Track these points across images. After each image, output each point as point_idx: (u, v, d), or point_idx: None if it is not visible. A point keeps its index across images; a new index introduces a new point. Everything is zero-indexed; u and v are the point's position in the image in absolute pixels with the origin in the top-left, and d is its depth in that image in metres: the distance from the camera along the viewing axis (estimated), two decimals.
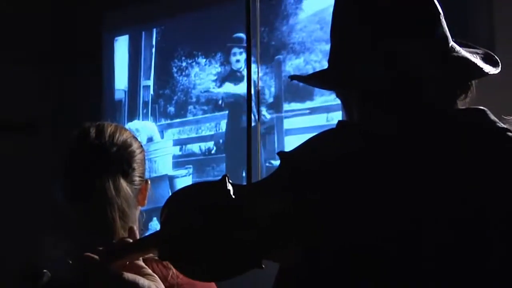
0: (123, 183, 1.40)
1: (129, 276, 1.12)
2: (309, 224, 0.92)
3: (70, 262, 1.22)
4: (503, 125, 0.93)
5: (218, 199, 1.00)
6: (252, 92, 1.16)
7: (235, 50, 3.99)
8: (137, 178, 1.45)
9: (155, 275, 1.18)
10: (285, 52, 3.80)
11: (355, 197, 0.90)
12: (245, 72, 3.64)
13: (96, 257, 1.12)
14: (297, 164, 0.98)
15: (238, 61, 3.97)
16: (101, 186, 1.37)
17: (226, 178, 1.02)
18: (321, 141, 1.01)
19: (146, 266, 1.19)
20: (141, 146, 1.50)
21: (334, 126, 1.03)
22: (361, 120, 0.98)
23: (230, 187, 1.01)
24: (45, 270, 1.27)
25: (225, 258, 0.98)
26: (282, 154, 1.01)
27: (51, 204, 1.42)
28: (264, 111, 3.80)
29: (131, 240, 1.18)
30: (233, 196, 1.00)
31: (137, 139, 1.50)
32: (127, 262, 1.16)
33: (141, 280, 1.13)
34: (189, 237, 1.00)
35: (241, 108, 3.86)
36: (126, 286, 1.11)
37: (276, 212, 0.95)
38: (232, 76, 4.03)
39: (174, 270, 1.32)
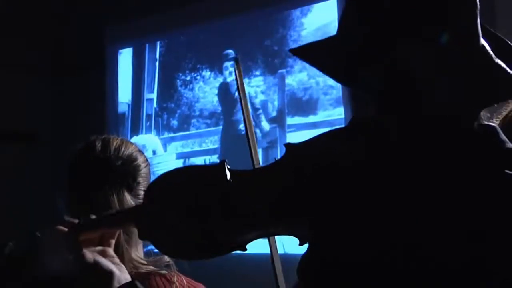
0: (128, 196, 1.39)
1: (89, 255, 1.12)
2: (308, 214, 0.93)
3: (38, 234, 1.21)
4: (511, 146, 0.91)
5: (216, 183, 0.99)
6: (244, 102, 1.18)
7: (226, 64, 4.03)
8: (141, 192, 1.44)
9: (123, 265, 1.18)
10: (288, 66, 3.81)
11: (354, 201, 0.90)
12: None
13: (65, 229, 1.12)
14: (302, 157, 0.97)
15: (230, 73, 4.00)
16: (105, 200, 1.37)
17: (225, 163, 1.01)
18: (329, 138, 1.01)
19: (115, 256, 1.19)
20: (147, 160, 1.49)
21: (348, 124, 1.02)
22: (376, 118, 0.96)
23: (228, 172, 1.00)
24: (10, 243, 1.28)
25: (213, 239, 0.98)
26: (288, 145, 1.00)
27: (50, 215, 1.43)
28: (263, 121, 3.80)
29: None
30: (231, 181, 0.98)
31: (142, 153, 1.49)
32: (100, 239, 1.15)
33: (104, 262, 1.13)
34: (175, 216, 0.99)
35: (238, 120, 3.88)
36: (84, 265, 1.10)
37: (275, 197, 0.96)
38: (231, 88, 4.05)
39: (177, 284, 1.32)
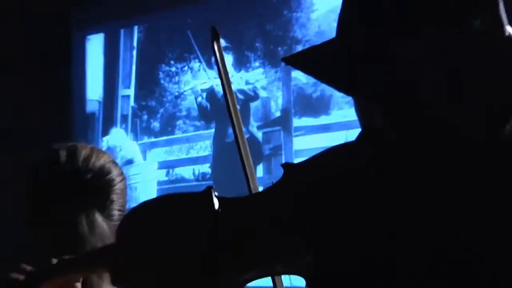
0: (99, 217, 1.42)
1: None
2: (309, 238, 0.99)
3: None
4: None
5: (201, 216, 1.03)
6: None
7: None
8: (116, 212, 1.47)
9: None
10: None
11: (357, 223, 0.97)
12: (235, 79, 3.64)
13: (20, 277, 1.16)
14: (303, 181, 1.02)
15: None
16: (71, 221, 1.39)
17: (212, 191, 1.04)
18: (335, 156, 1.06)
19: None
20: (122, 173, 1.52)
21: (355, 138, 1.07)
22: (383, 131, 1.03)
23: (216, 202, 1.03)
24: None
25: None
26: (287, 165, 1.05)
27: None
28: (254, 127, 3.83)
29: None
30: (219, 213, 1.02)
31: (117, 165, 1.52)
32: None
33: None
34: (156, 259, 1.02)
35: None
36: None
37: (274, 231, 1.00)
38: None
39: None
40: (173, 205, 1.08)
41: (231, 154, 3.92)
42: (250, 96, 3.87)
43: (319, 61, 1.06)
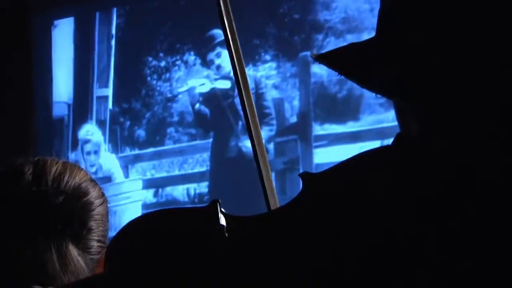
0: (73, 251, 1.41)
1: None
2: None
3: None
4: None
5: (204, 235, 1.04)
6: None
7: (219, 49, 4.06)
8: (94, 244, 1.47)
9: None
10: (316, 46, 3.79)
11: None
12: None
13: None
14: (328, 194, 1.04)
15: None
16: (38, 257, 1.38)
17: (218, 204, 1.04)
18: (366, 164, 1.07)
19: None
20: (103, 194, 1.52)
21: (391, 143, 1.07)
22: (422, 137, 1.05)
23: (222, 219, 1.04)
24: None
25: None
26: (306, 176, 1.07)
27: None
28: (263, 135, 3.81)
29: None
30: (226, 231, 1.03)
31: (96, 184, 1.52)
32: None
33: None
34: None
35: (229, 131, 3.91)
36: None
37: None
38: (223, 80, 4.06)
39: None
40: (171, 220, 1.09)
41: (231, 172, 3.94)
42: (259, 97, 3.88)
43: (356, 59, 1.09)
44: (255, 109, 1.47)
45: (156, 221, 1.11)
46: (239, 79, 1.42)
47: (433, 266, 0.98)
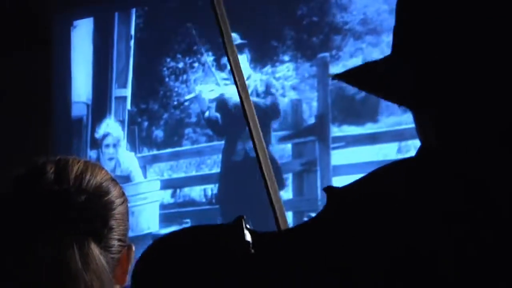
0: (95, 250, 1.41)
1: None
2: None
3: None
4: None
5: (230, 255, 1.04)
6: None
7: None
8: (115, 243, 1.46)
9: None
10: (334, 47, 3.80)
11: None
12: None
13: None
14: (349, 201, 1.04)
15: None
16: (61, 255, 1.38)
17: (243, 221, 1.04)
18: (393, 178, 1.05)
19: None
20: (123, 194, 1.51)
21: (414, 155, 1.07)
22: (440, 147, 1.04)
23: (248, 236, 1.04)
24: None
25: None
26: (331, 191, 1.06)
27: None
28: (279, 137, 3.82)
29: None
30: (252, 250, 1.03)
31: (117, 183, 1.51)
32: None
33: None
34: None
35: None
36: None
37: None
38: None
39: None
40: (196, 239, 1.10)
41: (238, 176, 3.93)
42: (277, 98, 3.89)
43: (379, 74, 1.08)
44: (256, 120, 1.47)
45: (182, 240, 1.11)
46: (237, 84, 1.43)
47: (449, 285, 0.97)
